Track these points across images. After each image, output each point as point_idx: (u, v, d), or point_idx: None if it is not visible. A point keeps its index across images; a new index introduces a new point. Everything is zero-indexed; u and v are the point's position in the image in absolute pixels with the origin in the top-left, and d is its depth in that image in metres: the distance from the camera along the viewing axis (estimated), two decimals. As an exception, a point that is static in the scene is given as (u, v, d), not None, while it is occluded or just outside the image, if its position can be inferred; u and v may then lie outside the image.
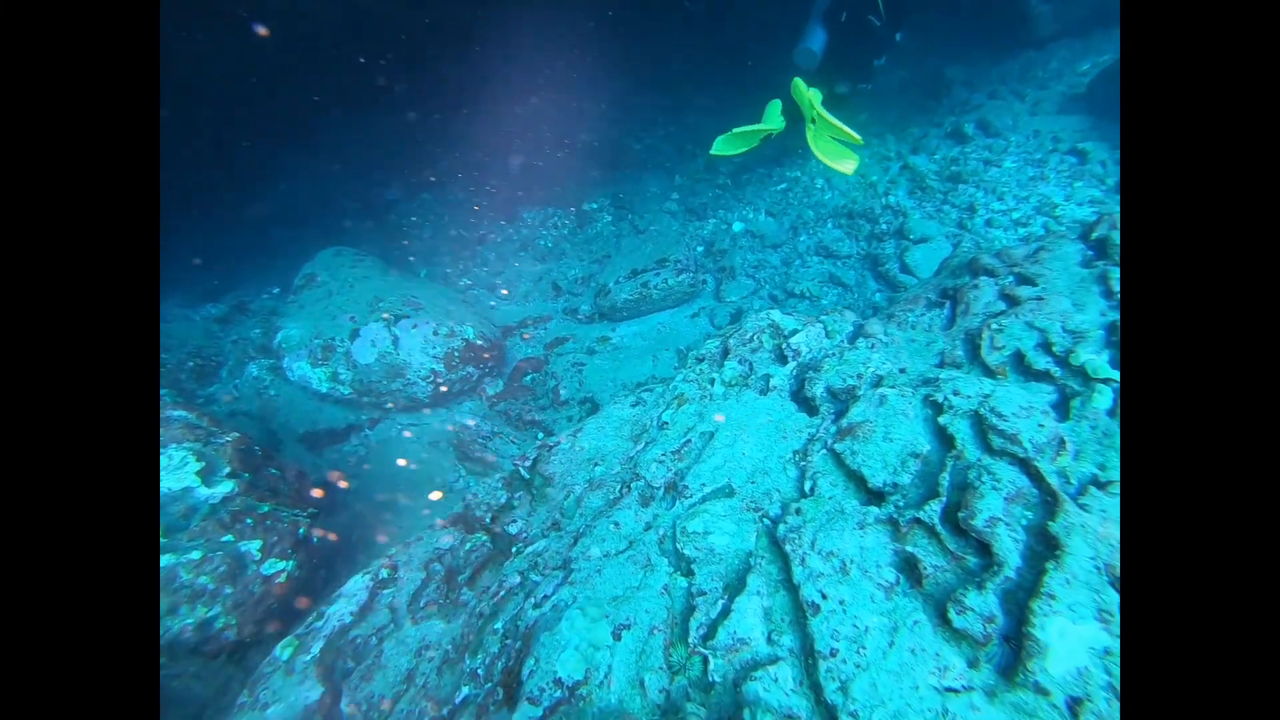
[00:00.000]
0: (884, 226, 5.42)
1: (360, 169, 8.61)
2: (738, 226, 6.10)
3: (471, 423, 4.65)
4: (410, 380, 4.92)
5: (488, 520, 2.19)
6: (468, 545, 2.12)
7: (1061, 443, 1.67)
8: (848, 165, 4.86)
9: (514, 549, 2.00)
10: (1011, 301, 2.67)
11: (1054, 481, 1.45)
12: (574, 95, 8.75)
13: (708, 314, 5.43)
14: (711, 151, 5.21)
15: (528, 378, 5.44)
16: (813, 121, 4.88)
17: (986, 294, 2.78)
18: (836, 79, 5.19)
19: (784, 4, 6.13)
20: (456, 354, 4.99)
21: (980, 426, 1.63)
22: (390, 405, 5.08)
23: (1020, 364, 2.45)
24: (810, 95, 4.81)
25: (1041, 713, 1.19)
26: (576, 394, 4.79)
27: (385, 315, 4.98)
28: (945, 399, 1.74)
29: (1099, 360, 2.32)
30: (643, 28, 8.01)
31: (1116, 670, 1.19)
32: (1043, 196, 5.01)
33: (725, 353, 2.40)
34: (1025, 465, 1.49)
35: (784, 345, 2.29)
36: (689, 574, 1.53)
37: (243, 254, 7.26)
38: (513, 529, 2.10)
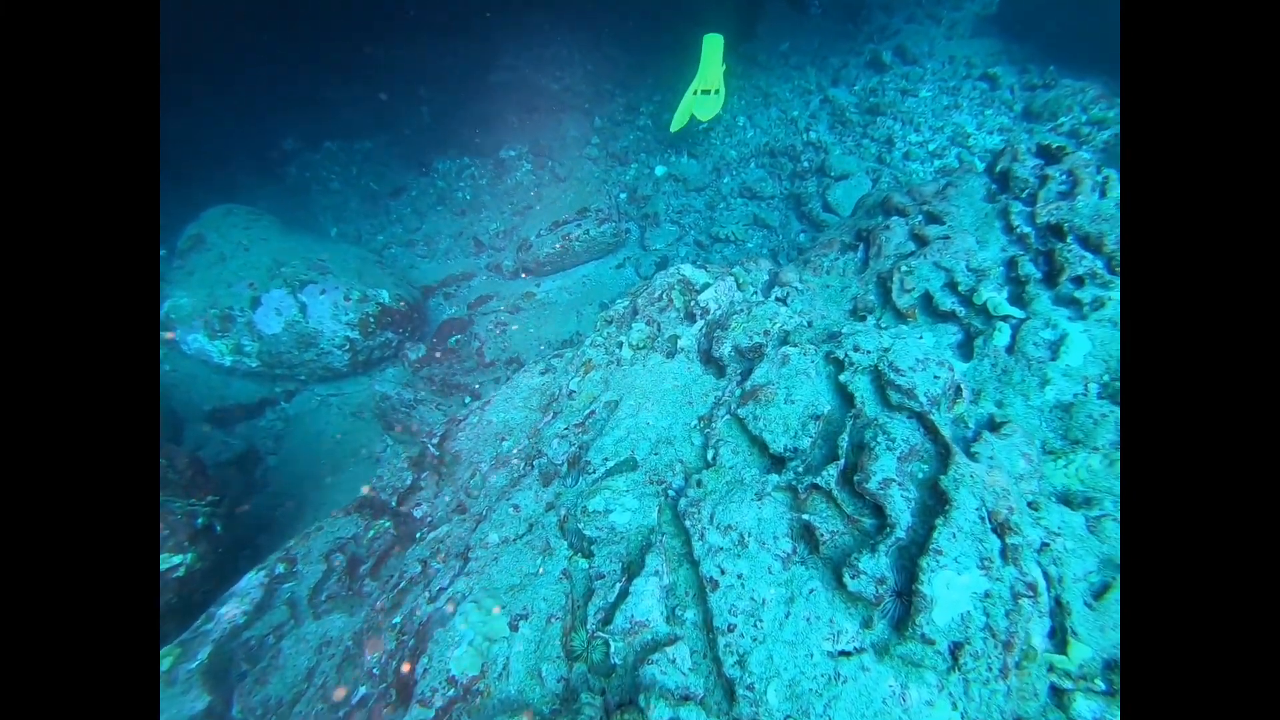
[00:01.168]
0: (806, 164, 5.35)
1: (250, 114, 7.85)
2: (660, 170, 5.91)
3: (392, 394, 4.46)
4: (324, 349, 4.65)
5: (393, 504, 2.09)
6: (371, 533, 2.02)
7: (958, 390, 1.67)
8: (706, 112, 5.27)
9: (418, 535, 1.92)
10: (920, 241, 2.66)
11: (948, 433, 1.45)
12: (484, 30, 8.17)
13: (633, 264, 5.30)
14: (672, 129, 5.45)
15: (452, 339, 5.24)
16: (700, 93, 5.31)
17: (898, 234, 2.76)
18: None
19: None
20: (372, 319, 4.73)
21: (879, 382, 1.62)
22: (304, 377, 4.82)
23: (929, 305, 2.46)
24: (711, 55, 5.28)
25: (927, 660, 1.21)
26: (501, 354, 4.64)
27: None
28: (846, 355, 1.71)
29: (999, 298, 2.34)
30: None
31: (995, 611, 1.23)
32: (956, 126, 5.02)
33: (634, 313, 2.31)
34: (921, 419, 1.48)
35: (693, 303, 2.22)
36: (589, 555, 1.48)
37: None
38: (418, 512, 2.01)
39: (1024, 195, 2.77)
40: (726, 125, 6.13)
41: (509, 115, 7.24)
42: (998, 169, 3.00)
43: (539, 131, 6.91)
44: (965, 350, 2.31)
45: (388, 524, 2.03)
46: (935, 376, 1.59)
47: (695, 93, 5.32)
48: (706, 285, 2.35)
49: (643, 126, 6.50)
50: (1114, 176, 2.69)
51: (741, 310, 2.04)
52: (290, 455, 4.67)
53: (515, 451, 1.96)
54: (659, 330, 2.17)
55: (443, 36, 8.02)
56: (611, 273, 5.29)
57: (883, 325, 2.45)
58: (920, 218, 2.78)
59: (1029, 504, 1.52)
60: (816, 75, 6.44)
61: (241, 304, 4.58)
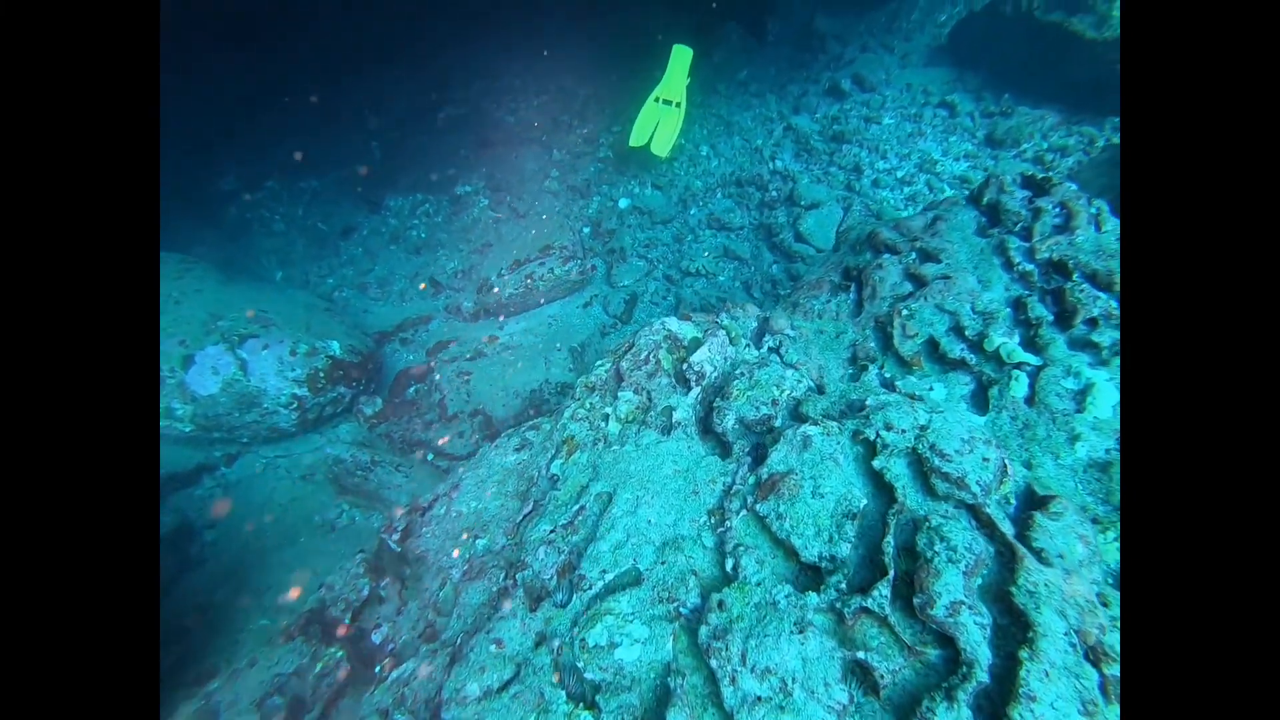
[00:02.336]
0: (774, 193, 5.23)
1: (184, 152, 7.39)
2: (624, 203, 5.72)
3: (346, 456, 4.09)
4: (268, 410, 4.25)
5: (347, 620, 1.77)
6: (318, 666, 1.69)
7: (1004, 469, 1.47)
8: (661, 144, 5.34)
9: (377, 669, 1.61)
10: (918, 281, 2.49)
11: (1007, 528, 1.24)
12: (435, 63, 7.93)
13: (600, 301, 5.07)
14: (631, 143, 5.43)
15: (410, 389, 4.89)
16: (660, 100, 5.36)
17: (891, 274, 2.59)
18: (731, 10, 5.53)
19: None
20: (322, 374, 4.36)
21: (921, 469, 1.41)
22: (247, 439, 4.40)
23: (934, 352, 2.28)
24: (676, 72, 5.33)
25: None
26: (465, 406, 4.32)
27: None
28: (878, 436, 1.50)
29: (1012, 344, 2.17)
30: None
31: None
32: (923, 153, 4.98)
33: (619, 378, 2.06)
34: (975, 514, 1.28)
35: (685, 365, 1.99)
36: (593, 707, 1.21)
37: None
38: (377, 635, 1.70)
39: (1017, 229, 2.64)
40: (690, 155, 6.00)
41: (463, 150, 6.98)
42: (985, 200, 2.87)
43: (495, 166, 6.66)
44: (979, 401, 2.13)
45: (339, 654, 1.71)
46: (984, 459, 1.38)
47: (657, 100, 5.33)
48: (696, 341, 2.13)
49: (604, 158, 6.31)
50: (1105, 208, 2.59)
51: (742, 374, 1.82)
52: (231, 528, 4.23)
53: (491, 555, 1.68)
54: (650, 400, 1.92)
55: (392, 69, 7.75)
56: (579, 312, 5.04)
57: (886, 375, 2.25)
58: (914, 255, 2.62)
59: (1099, 598, 1.31)
60: (777, 103, 6.38)
61: (172, 363, 4.16)
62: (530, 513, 1.70)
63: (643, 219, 5.56)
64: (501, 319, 5.18)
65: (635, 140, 5.41)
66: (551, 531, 1.56)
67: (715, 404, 1.80)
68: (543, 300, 5.05)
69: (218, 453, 4.48)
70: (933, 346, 2.27)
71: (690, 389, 1.93)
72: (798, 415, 1.67)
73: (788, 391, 1.76)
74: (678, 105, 5.35)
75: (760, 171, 5.44)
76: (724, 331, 2.15)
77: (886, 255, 2.64)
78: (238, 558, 4.10)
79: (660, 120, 5.43)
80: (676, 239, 5.36)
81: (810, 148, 5.45)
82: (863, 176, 4.96)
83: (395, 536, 1.94)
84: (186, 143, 7.45)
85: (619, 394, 1.96)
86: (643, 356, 2.06)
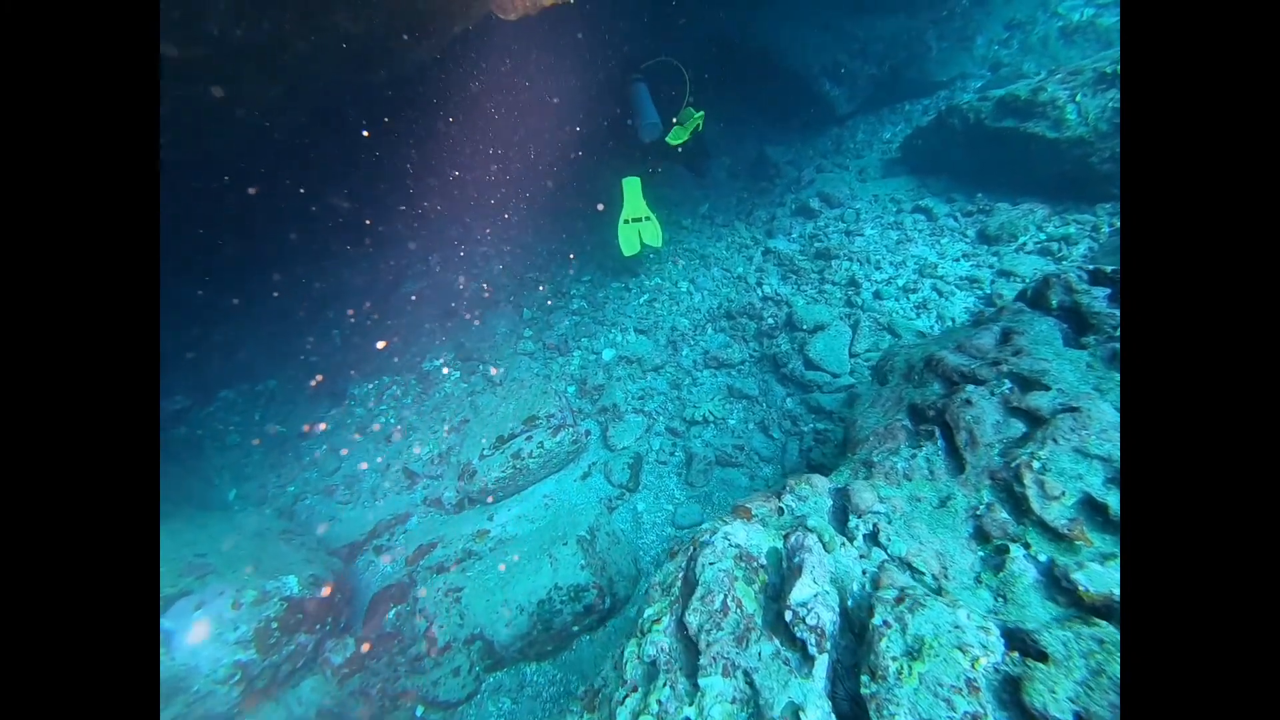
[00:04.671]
0: (770, 320, 4.83)
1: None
2: (608, 354, 5.26)
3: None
4: (199, 693, 3.33)
5: None
6: None
7: None
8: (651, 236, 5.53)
9: None
10: (1031, 419, 1.93)
11: None
12: (393, 240, 7.79)
13: (600, 470, 4.42)
14: (626, 254, 5.57)
15: (391, 613, 4.04)
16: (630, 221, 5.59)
17: (987, 411, 2.02)
18: (670, 152, 5.71)
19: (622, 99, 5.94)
20: (275, 625, 3.52)
21: None
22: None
23: (1097, 513, 1.66)
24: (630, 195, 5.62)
25: None
26: (459, 632, 3.49)
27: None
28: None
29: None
30: (461, 157, 7.33)
31: None
32: (918, 258, 4.68)
33: (688, 644, 1.38)
34: None
35: (786, 610, 1.34)
36: None
37: None
38: None
39: (1119, 336, 2.14)
40: (669, 293, 5.67)
41: (426, 323, 6.60)
42: (1054, 304, 2.40)
43: (462, 334, 6.24)
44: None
45: None
46: None
47: (626, 221, 5.44)
48: (777, 556, 1.49)
49: (578, 310, 5.95)
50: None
51: (887, 626, 1.17)
52: None
53: None
54: (752, 688, 1.23)
55: (347, 254, 7.55)
56: (577, 486, 4.37)
57: (1042, 558, 1.61)
58: (1007, 384, 2.08)
59: None
60: (748, 229, 6.21)
61: (84, 644, 3.29)
62: None
63: (632, 368, 5.07)
64: (490, 501, 4.46)
65: (628, 250, 5.49)
66: None
67: (867, 694, 1.12)
68: (535, 479, 4.38)
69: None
70: (1091, 507, 1.66)
71: (810, 658, 1.25)
72: (1020, 707, 1.02)
73: (982, 658, 1.11)
74: (647, 218, 5.51)
75: (750, 300, 5.08)
76: (812, 536, 1.53)
77: (972, 388, 2.09)
78: None
79: (640, 230, 5.51)
80: (673, 385, 4.85)
81: (796, 268, 5.15)
82: (861, 290, 4.60)
83: None
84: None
85: (698, 679, 1.27)
86: (717, 603, 1.40)
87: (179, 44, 2.94)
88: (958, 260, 4.54)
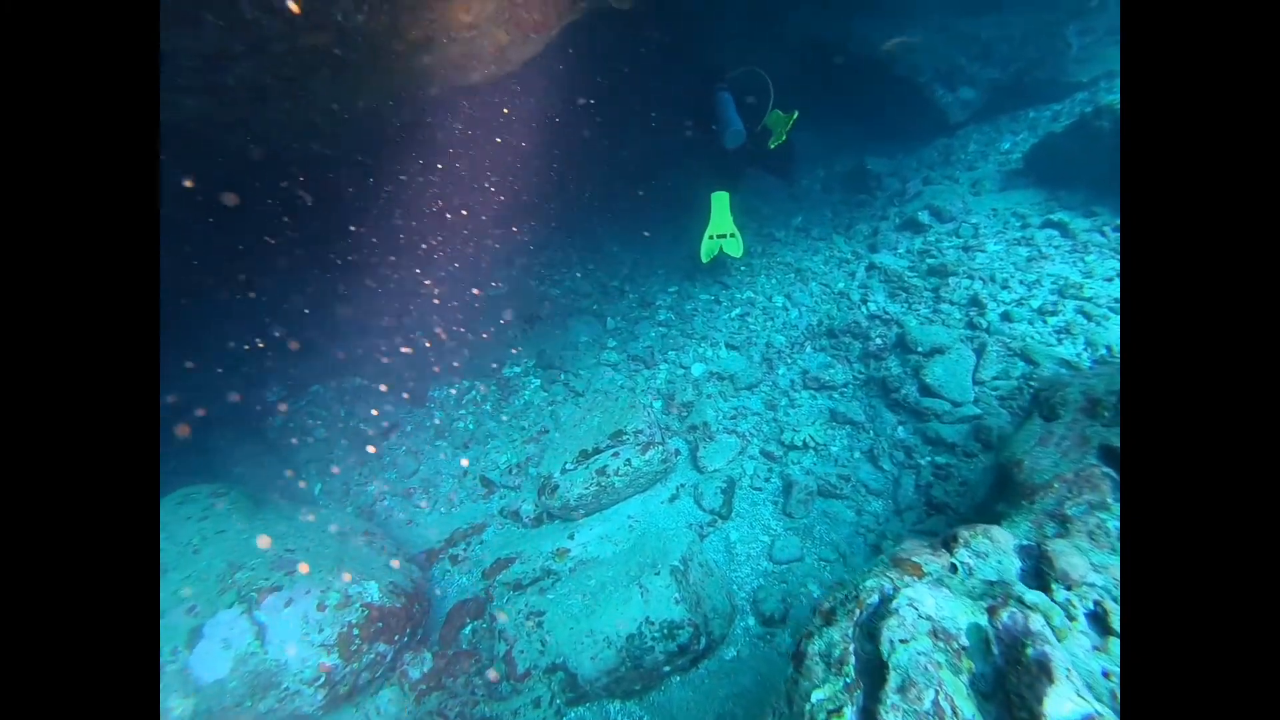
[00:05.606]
0: (878, 341, 4.45)
1: (229, 366, 7.11)
2: (698, 369, 5.00)
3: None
4: (289, 690, 3.27)
5: None
6: None
7: None
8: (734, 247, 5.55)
9: None
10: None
11: None
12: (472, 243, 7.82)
13: (690, 493, 4.15)
14: (704, 260, 5.56)
15: (466, 629, 3.90)
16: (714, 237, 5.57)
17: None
18: (757, 159, 5.72)
19: (696, 114, 5.94)
20: (357, 630, 3.42)
21: None
22: (261, 731, 3.38)
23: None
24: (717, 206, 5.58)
25: None
26: (539, 659, 3.28)
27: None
28: None
29: None
30: (545, 164, 7.29)
31: None
32: (1056, 277, 4.20)
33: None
34: None
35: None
36: None
37: None
38: None
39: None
40: (764, 308, 5.36)
41: (509, 328, 6.53)
42: None
43: (544, 341, 6.13)
44: None
45: None
46: None
47: (710, 236, 5.50)
48: (979, 634, 1.19)
49: (665, 321, 5.73)
50: None
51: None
52: None
53: None
54: None
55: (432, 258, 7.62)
56: (664, 508, 4.11)
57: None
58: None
59: None
60: (848, 244, 5.84)
61: (175, 641, 3.29)
62: None
63: (723, 385, 4.79)
64: (575, 517, 4.27)
65: (707, 258, 5.57)
66: None
67: None
68: (619, 497, 4.15)
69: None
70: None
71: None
72: None
73: None
74: (732, 235, 5.49)
75: (854, 318, 4.71)
76: (1037, 617, 1.21)
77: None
78: None
79: (723, 245, 5.50)
80: (768, 406, 4.53)
81: (906, 285, 4.75)
82: (986, 311, 4.16)
83: None
84: (231, 358, 7.21)
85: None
86: (925, 702, 1.09)
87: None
88: (1109, 280, 4.04)
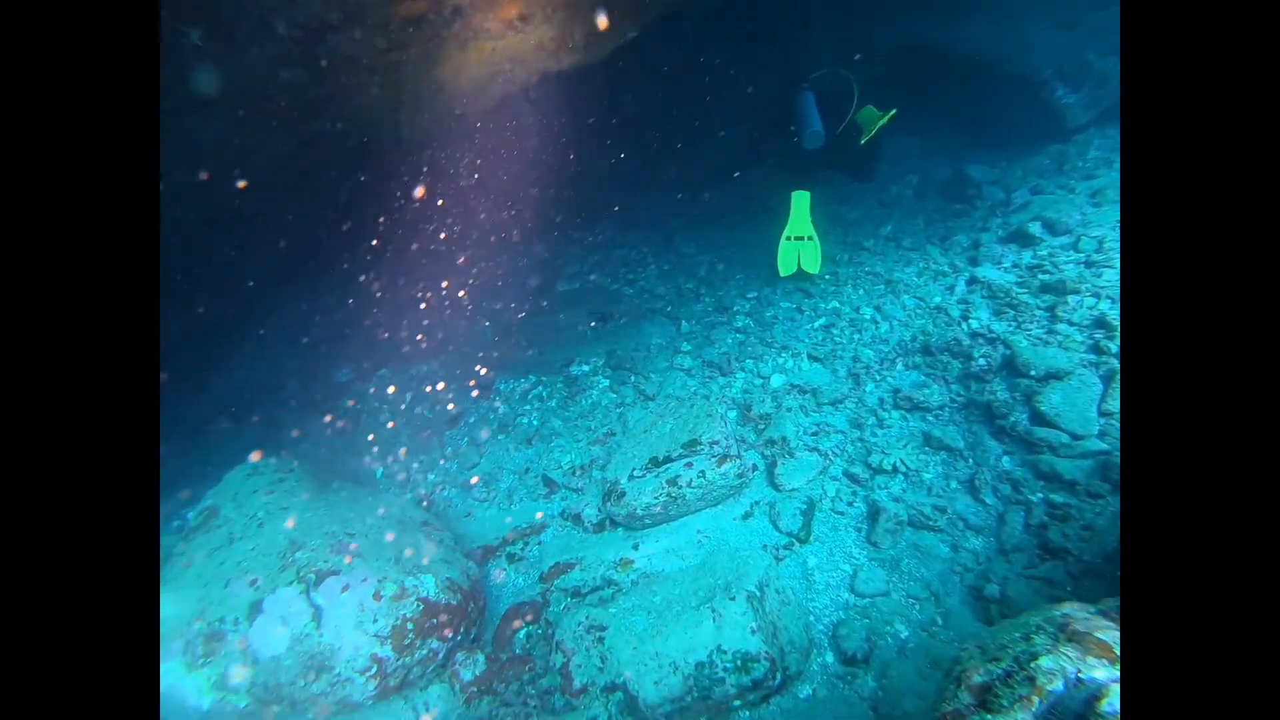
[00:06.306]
0: (981, 362, 4.05)
1: (310, 345, 7.28)
2: (777, 380, 4.71)
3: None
4: (341, 676, 3.19)
5: None
6: None
7: None
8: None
9: None
10: None
11: None
12: (546, 238, 7.76)
13: (765, 511, 3.86)
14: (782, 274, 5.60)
15: (520, 633, 3.74)
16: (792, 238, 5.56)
17: None
18: (837, 161, 5.64)
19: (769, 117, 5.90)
20: (410, 624, 3.31)
21: None
22: (311, 718, 3.30)
23: None
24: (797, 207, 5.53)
25: None
26: (597, 676, 3.07)
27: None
28: None
29: None
30: (620, 161, 7.15)
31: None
32: (1199, 303, 3.70)
33: None
34: None
35: None
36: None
37: (171, 461, 5.62)
38: None
39: None
40: (850, 319, 5.02)
41: (578, 325, 6.40)
42: None
43: (615, 340, 5.95)
44: None
45: None
46: None
47: (788, 239, 5.49)
48: None
49: (742, 327, 5.45)
50: None
51: None
52: None
53: None
54: None
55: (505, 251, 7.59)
56: (736, 525, 3.84)
57: None
58: None
59: None
60: (944, 255, 5.42)
61: (237, 613, 3.26)
62: None
63: (805, 399, 4.48)
64: (640, 527, 4.05)
65: (784, 271, 5.54)
66: None
67: None
68: (689, 510, 3.91)
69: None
70: None
71: None
72: None
73: None
74: (810, 238, 5.43)
75: (954, 335, 4.32)
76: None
77: None
78: None
79: (801, 250, 5.43)
80: (854, 424, 4.20)
81: (1015, 302, 4.32)
82: (1115, 335, 3.71)
83: None
84: (311, 333, 7.38)
85: None
86: None
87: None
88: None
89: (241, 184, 3.89)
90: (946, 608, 3.14)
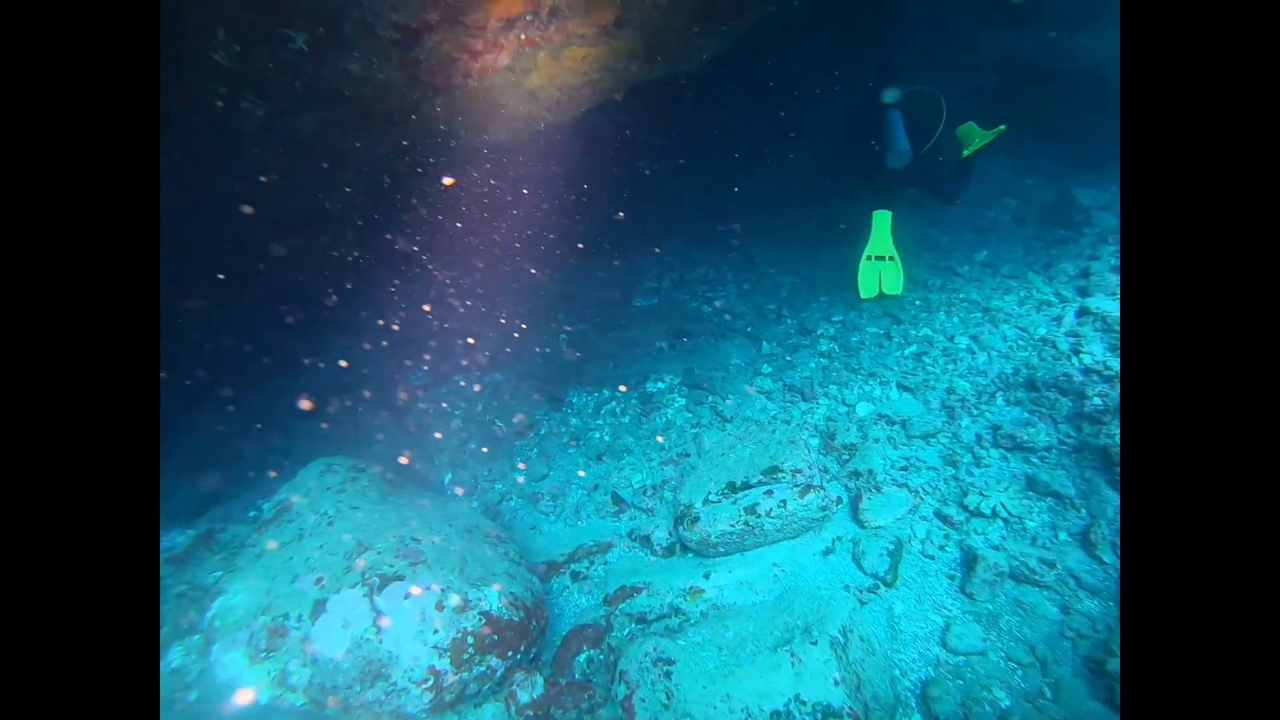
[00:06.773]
0: (1097, 401, 3.66)
1: (388, 351, 7.46)
2: (864, 409, 4.43)
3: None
4: (396, 685, 3.12)
5: None
6: None
7: None
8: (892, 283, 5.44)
9: None
10: None
11: None
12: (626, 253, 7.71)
13: (848, 548, 3.60)
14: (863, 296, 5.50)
15: (582, 656, 3.59)
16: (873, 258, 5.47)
17: None
18: (923, 181, 5.47)
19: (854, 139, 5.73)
20: (471, 639, 3.22)
21: None
22: (369, 724, 3.25)
23: None
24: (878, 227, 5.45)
25: None
26: (662, 713, 2.88)
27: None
28: None
29: None
30: (702, 175, 7.05)
31: None
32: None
33: None
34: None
35: None
36: None
37: (255, 451, 5.85)
38: None
39: None
40: (944, 348, 4.69)
41: (656, 340, 6.28)
42: None
43: (693, 358, 5.80)
44: None
45: None
46: None
47: (869, 258, 5.42)
48: None
49: (826, 352, 5.19)
50: None
51: None
52: None
53: None
54: None
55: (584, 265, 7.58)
56: (816, 561, 3.59)
57: None
58: None
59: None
60: (1048, 284, 5.02)
61: (301, 609, 3.26)
62: None
63: (893, 430, 4.18)
64: (712, 554, 3.84)
65: (865, 293, 5.47)
66: None
67: None
68: (766, 540, 3.69)
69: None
70: None
71: None
72: None
73: None
74: (891, 258, 5.33)
75: (1064, 370, 3.94)
76: None
77: None
78: None
79: (881, 271, 5.33)
80: (948, 461, 3.88)
81: (1138, 339, 3.90)
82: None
83: None
84: (388, 335, 7.54)
85: None
86: None
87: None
88: None
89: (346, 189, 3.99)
90: (1056, 678, 2.79)
